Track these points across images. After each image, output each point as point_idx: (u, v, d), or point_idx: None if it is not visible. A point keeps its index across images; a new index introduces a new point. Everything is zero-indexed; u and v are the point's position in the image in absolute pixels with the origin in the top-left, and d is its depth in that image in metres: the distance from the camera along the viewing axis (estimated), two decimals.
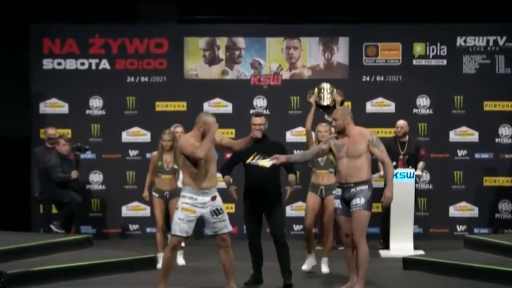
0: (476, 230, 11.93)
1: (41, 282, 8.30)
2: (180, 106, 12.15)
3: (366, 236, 7.56)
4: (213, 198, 7.48)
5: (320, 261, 9.06)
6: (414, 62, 12.14)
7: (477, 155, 12.11)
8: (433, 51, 12.11)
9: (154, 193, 9.65)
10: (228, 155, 11.10)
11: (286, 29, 12.32)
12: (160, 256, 9.26)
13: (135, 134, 12.19)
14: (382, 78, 12.15)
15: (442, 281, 8.60)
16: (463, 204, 12.11)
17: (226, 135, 10.47)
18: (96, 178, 12.22)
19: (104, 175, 12.22)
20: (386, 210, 10.22)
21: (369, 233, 10.71)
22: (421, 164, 10.89)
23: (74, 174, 10.63)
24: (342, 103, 9.02)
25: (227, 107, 12.18)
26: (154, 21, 12.32)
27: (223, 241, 7.56)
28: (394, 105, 12.15)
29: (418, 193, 11.19)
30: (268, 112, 11.91)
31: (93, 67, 12.18)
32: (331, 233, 9.14)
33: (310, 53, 12.20)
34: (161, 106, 12.18)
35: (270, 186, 8.13)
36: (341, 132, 7.61)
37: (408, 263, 9.27)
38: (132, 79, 12.20)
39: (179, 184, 9.65)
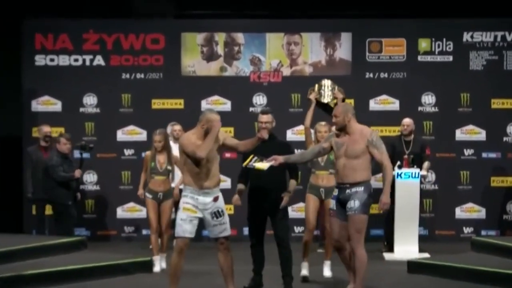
0: (483, 232, 11.89)
1: (33, 286, 8.23)
2: (177, 103, 12.07)
3: (369, 238, 7.42)
4: (215, 199, 7.35)
5: (322, 265, 8.97)
6: (419, 58, 12.07)
7: (484, 155, 12.04)
8: (438, 47, 12.04)
9: (147, 194, 9.56)
10: (228, 155, 10.93)
11: (286, 24, 12.26)
12: (156, 259, 9.32)
13: (131, 133, 12.13)
14: (386, 75, 12.07)
15: (448, 285, 8.57)
16: (470, 205, 12.03)
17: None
18: (90, 178, 12.17)
19: (99, 175, 12.17)
20: (390, 212, 10.06)
21: (372, 235, 10.75)
22: (426, 164, 10.85)
23: (77, 173, 10.47)
24: (343, 102, 8.86)
25: (225, 105, 12.07)
26: (150, 16, 12.26)
27: (222, 244, 7.45)
28: (399, 103, 12.09)
29: (424, 193, 11.15)
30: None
31: (87, 63, 12.12)
32: None
33: (312, 49, 12.13)
34: (157, 103, 12.10)
35: (274, 188, 7.92)
36: (342, 130, 7.43)
37: (413, 266, 9.20)
38: (128, 75, 12.13)
39: (173, 184, 9.52)
